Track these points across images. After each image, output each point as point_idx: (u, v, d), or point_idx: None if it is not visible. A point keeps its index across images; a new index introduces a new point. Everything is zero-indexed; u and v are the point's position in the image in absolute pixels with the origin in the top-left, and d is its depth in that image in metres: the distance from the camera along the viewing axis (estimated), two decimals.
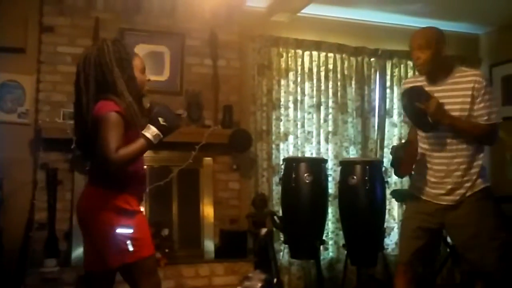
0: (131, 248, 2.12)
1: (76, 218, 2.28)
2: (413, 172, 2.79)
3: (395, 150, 2.76)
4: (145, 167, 2.38)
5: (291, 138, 4.69)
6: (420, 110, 2.43)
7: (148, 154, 4.07)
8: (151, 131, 2.09)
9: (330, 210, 4.48)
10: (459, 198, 2.51)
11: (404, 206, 4.78)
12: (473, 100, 2.46)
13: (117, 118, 2.07)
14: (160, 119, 2.11)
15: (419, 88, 2.54)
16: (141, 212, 2.26)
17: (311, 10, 4.53)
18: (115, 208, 2.14)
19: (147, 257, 2.19)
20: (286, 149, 4.67)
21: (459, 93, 2.49)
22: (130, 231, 2.14)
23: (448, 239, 3.44)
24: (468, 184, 2.51)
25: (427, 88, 2.55)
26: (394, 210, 4.88)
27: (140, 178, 2.29)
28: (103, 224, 2.13)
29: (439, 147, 2.56)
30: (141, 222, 2.23)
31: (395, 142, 4.95)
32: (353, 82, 4.90)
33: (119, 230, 2.12)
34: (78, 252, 3.79)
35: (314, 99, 4.76)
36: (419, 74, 2.66)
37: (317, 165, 4.21)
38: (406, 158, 2.66)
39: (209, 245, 4.20)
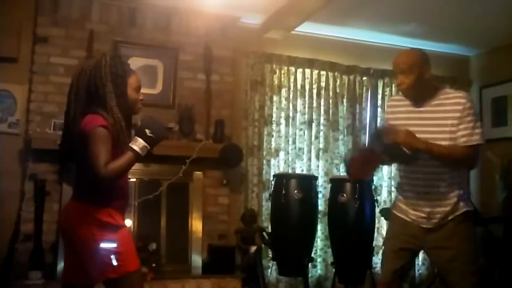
0: (115, 263, 2.08)
1: (59, 231, 2.27)
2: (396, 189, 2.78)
3: (348, 152, 2.72)
4: (129, 180, 2.37)
5: (282, 154, 4.70)
6: (391, 144, 2.37)
7: (137, 167, 4.07)
8: (138, 143, 2.08)
9: (319, 227, 4.48)
10: (439, 222, 2.47)
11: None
12: (458, 123, 2.42)
13: (105, 132, 2.05)
14: (146, 130, 2.10)
15: (382, 127, 2.52)
16: (125, 226, 2.24)
17: (304, 28, 4.58)
18: (98, 222, 2.11)
19: (132, 272, 2.15)
20: (277, 165, 4.68)
21: (443, 115, 2.44)
22: (114, 245, 2.11)
23: None
24: (448, 208, 2.46)
25: (411, 109, 2.54)
26: (383, 228, 4.87)
27: (124, 192, 2.27)
28: (87, 239, 2.10)
29: (418, 170, 2.50)
30: (125, 236, 2.20)
31: None
32: (344, 100, 4.94)
33: (103, 245, 2.09)
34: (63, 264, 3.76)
35: (306, 116, 4.79)
36: (405, 97, 2.61)
37: (307, 181, 4.22)
38: (357, 162, 2.60)
39: (197, 260, 4.17)
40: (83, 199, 2.17)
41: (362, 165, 2.61)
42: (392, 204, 2.75)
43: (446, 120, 2.43)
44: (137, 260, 2.20)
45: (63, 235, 2.25)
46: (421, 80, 2.46)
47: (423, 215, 2.49)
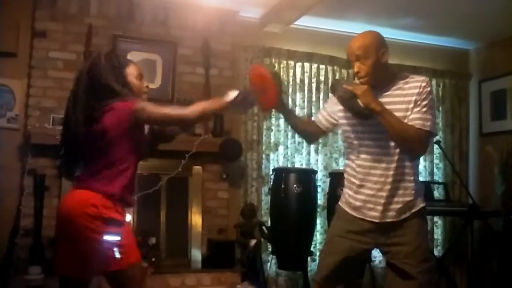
0: (118, 255, 2.10)
1: (60, 221, 2.19)
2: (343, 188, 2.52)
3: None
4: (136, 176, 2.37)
5: (281, 148, 4.70)
6: (349, 94, 2.22)
7: None
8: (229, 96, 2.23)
9: (318, 221, 4.48)
10: (395, 217, 2.28)
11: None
12: (413, 106, 2.25)
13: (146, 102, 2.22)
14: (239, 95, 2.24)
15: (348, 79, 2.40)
16: (126, 221, 2.26)
17: (303, 22, 4.57)
18: (103, 216, 2.11)
19: (133, 264, 2.17)
20: (276, 159, 4.68)
21: (403, 99, 2.27)
22: (118, 238, 2.12)
23: None
24: (405, 201, 2.29)
25: None
26: None
27: (130, 188, 2.27)
28: (91, 232, 2.08)
29: (373, 158, 2.31)
30: (127, 229, 2.23)
31: None
32: None
33: (107, 237, 2.10)
34: None
35: (305, 110, 4.78)
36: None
37: (307, 176, 4.22)
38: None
39: (197, 255, 4.18)
40: (88, 190, 2.15)
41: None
42: (341, 198, 2.50)
43: (402, 104, 2.26)
44: (137, 252, 2.22)
45: (62, 225, 2.18)
46: (379, 65, 2.27)
47: (378, 208, 2.29)
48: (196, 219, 4.27)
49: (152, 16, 4.30)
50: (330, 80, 4.87)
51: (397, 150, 2.28)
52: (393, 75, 2.35)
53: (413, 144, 2.26)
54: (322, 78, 4.86)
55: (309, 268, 4.40)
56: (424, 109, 2.24)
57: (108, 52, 2.31)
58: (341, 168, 4.76)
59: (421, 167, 5.11)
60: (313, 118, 2.70)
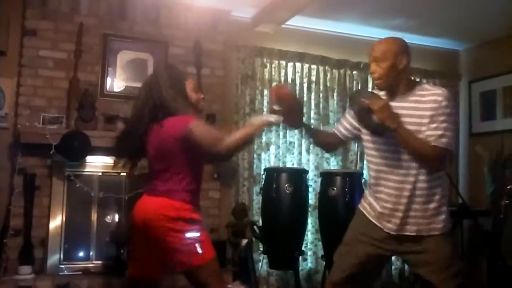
0: (200, 251, 2.25)
1: (137, 225, 2.35)
2: (366, 190, 2.57)
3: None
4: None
5: (272, 148, 4.71)
6: (365, 107, 2.20)
7: None
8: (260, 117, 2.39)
9: (309, 220, 4.49)
10: (413, 231, 2.27)
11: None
12: (429, 121, 2.21)
13: (201, 120, 2.32)
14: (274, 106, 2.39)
15: (371, 91, 2.40)
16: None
17: (295, 22, 4.58)
18: (185, 217, 2.28)
19: (213, 259, 2.30)
20: (268, 159, 4.68)
21: (417, 112, 2.23)
22: (198, 234, 2.28)
23: None
24: (423, 217, 2.26)
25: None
26: None
27: (198, 193, 2.45)
28: (174, 232, 2.24)
29: (391, 170, 2.31)
30: (203, 227, 2.36)
31: None
32: (335, 94, 4.95)
33: (188, 235, 2.25)
34: (53, 259, 3.75)
35: None
36: (378, 89, 2.39)
37: (298, 175, 4.23)
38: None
39: None
40: (165, 195, 2.32)
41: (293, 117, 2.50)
42: (362, 202, 2.52)
43: (415, 118, 2.24)
44: (212, 248, 2.35)
45: (139, 230, 2.34)
46: (395, 70, 2.29)
47: (396, 221, 2.30)
48: None
49: (144, 15, 4.29)
50: (321, 80, 4.89)
51: (415, 165, 2.27)
52: (412, 84, 2.35)
53: (429, 161, 2.24)
54: (313, 78, 4.88)
55: (300, 268, 4.42)
56: (442, 125, 2.20)
57: (168, 66, 2.48)
58: (332, 167, 4.79)
59: None
60: (333, 129, 2.74)
